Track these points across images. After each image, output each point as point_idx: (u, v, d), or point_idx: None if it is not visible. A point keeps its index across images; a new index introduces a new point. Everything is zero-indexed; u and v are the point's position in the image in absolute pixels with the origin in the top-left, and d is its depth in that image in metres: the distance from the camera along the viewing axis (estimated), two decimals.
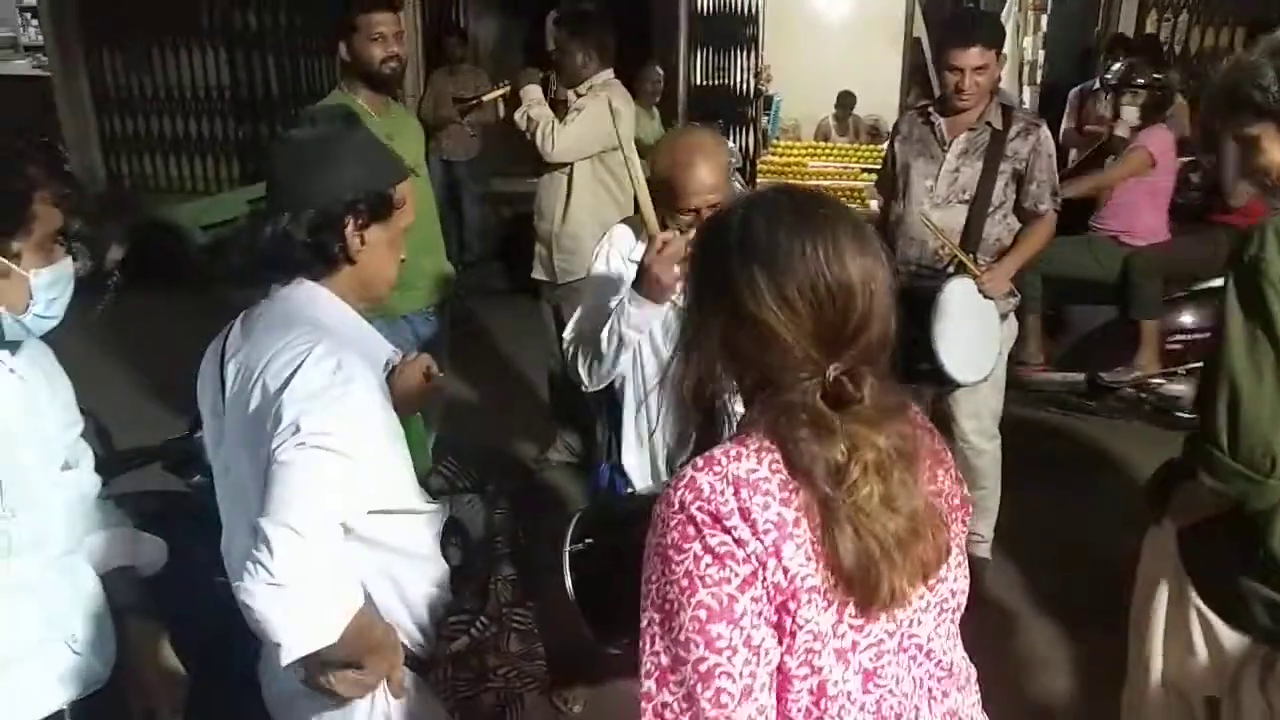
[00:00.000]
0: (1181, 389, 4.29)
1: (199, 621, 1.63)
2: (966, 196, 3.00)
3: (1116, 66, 4.83)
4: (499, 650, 1.59)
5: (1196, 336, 4.34)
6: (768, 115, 7.63)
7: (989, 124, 2.99)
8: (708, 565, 0.96)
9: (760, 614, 0.97)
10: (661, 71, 5.86)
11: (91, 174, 7.49)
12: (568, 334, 2.24)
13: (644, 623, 1.00)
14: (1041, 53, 8.16)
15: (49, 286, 1.37)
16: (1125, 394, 4.43)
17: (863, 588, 0.99)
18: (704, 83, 7.46)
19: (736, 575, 0.96)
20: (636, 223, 2.30)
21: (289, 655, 1.30)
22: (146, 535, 1.68)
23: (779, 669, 1.00)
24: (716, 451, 1.02)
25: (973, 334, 2.84)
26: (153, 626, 1.59)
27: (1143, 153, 4.36)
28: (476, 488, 1.73)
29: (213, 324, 1.59)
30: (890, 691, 1.06)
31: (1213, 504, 1.73)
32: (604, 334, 2.07)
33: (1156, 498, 1.90)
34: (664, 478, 2.35)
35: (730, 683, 0.95)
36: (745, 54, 7.46)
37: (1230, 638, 1.81)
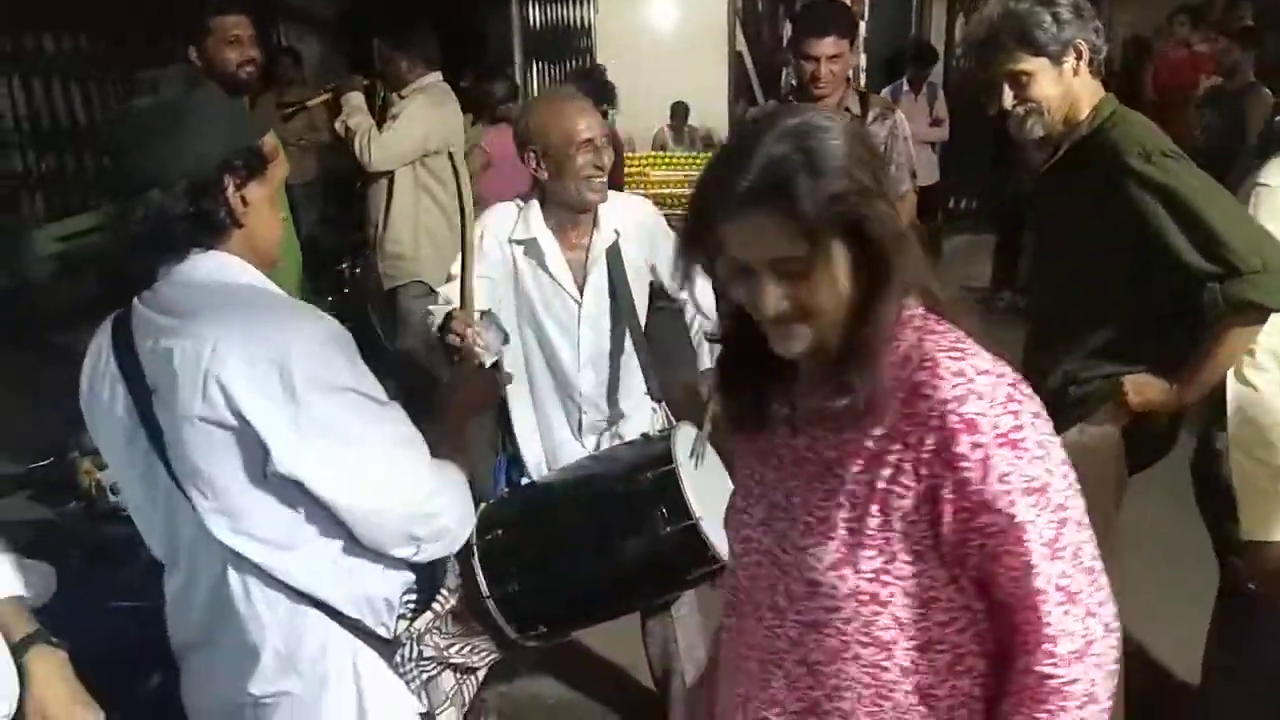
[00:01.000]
0: None
1: (100, 650, 1.48)
2: None
3: None
4: (443, 631, 1.52)
5: None
6: None
7: (848, 109, 3.12)
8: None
9: None
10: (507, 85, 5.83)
11: None
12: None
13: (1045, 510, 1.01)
14: (863, 56, 8.60)
15: None
16: None
17: None
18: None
19: None
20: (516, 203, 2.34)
21: None
22: (31, 562, 1.52)
23: None
24: (976, 362, 1.03)
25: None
26: (55, 658, 1.43)
27: None
28: None
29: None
30: None
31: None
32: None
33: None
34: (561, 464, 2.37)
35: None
36: (581, 66, 7.53)
37: None
